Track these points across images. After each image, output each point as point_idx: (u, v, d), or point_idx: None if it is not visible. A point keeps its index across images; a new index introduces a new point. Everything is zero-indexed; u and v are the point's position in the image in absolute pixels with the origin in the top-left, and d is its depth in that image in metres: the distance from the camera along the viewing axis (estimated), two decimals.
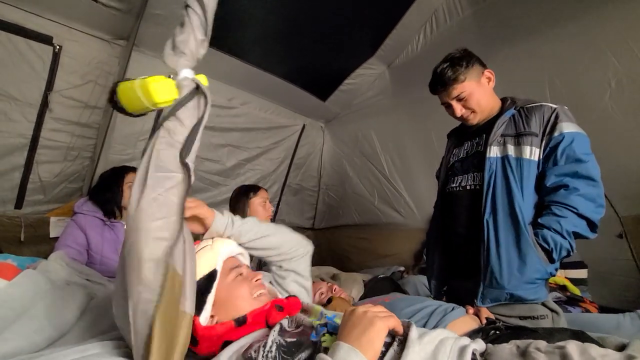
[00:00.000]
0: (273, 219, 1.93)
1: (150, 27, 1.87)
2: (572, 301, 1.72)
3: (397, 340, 0.66)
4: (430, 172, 2.67)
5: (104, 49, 1.94)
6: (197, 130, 0.75)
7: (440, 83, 1.28)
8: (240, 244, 0.93)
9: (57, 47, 1.80)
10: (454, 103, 1.28)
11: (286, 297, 0.85)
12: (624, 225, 1.91)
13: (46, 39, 1.77)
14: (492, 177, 1.22)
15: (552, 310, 1.17)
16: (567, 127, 1.16)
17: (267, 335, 0.70)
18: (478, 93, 1.26)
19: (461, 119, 1.33)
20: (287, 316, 0.79)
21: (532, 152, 1.19)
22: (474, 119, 1.30)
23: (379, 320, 0.63)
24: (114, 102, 0.81)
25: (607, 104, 1.73)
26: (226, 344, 0.73)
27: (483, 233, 1.20)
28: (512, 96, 1.33)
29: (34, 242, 1.99)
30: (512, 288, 1.15)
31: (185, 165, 0.72)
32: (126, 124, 2.16)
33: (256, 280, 0.85)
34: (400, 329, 0.67)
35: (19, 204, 1.95)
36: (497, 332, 0.93)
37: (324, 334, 0.68)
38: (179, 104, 0.75)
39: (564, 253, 1.11)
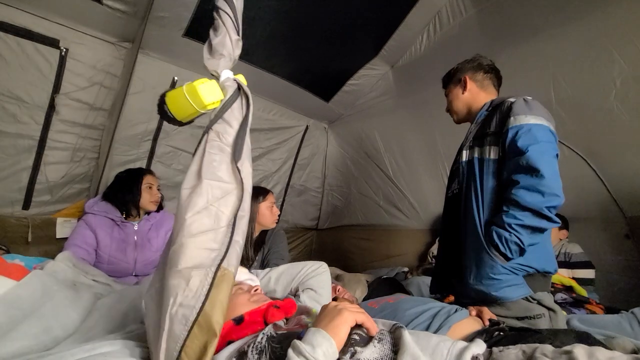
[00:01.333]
0: (276, 220, 1.92)
1: (155, 29, 1.88)
2: (577, 303, 1.70)
3: (377, 338, 0.67)
4: (433, 173, 2.68)
5: (110, 51, 1.96)
6: (244, 131, 0.75)
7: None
8: None
9: (64, 50, 1.82)
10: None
11: (282, 299, 0.90)
12: (630, 226, 1.89)
13: (53, 42, 1.79)
14: (464, 181, 1.30)
15: (548, 309, 1.16)
16: (514, 121, 1.15)
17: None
18: (451, 95, 1.45)
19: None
20: (285, 318, 0.82)
21: (492, 151, 1.22)
22: (454, 117, 1.48)
23: (347, 311, 0.67)
24: (163, 112, 0.81)
25: (613, 103, 1.71)
26: (229, 344, 0.74)
27: (460, 234, 1.28)
28: (499, 97, 1.37)
29: (40, 243, 2.02)
30: (475, 284, 1.19)
31: (238, 175, 0.72)
32: (130, 126, 2.19)
33: (255, 291, 0.91)
34: (372, 328, 0.69)
35: (26, 205, 1.98)
36: (501, 333, 0.93)
37: None
38: (225, 105, 0.75)
39: (513, 247, 1.10)
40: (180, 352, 0.61)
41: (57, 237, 2.05)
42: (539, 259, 1.17)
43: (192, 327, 0.61)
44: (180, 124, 0.83)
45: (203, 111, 0.77)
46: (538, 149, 1.09)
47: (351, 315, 0.67)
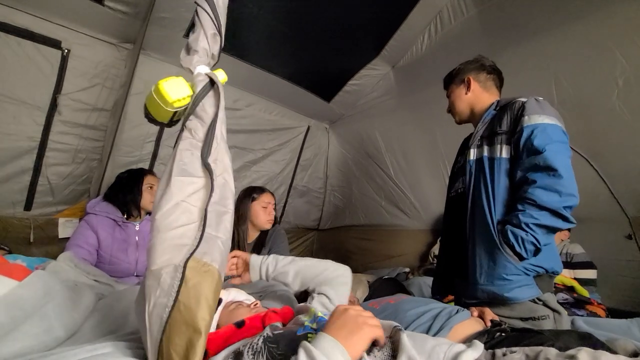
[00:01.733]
0: (279, 222, 1.92)
1: (157, 30, 1.89)
2: (578, 303, 1.70)
3: (377, 347, 0.66)
4: (435, 174, 2.67)
5: (111, 52, 1.96)
6: (213, 126, 0.73)
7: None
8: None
9: (65, 50, 1.83)
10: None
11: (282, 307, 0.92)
12: (632, 226, 1.89)
13: (55, 43, 1.79)
14: (471, 180, 1.29)
15: (553, 310, 1.16)
16: (529, 120, 1.15)
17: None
18: (454, 96, 1.44)
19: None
20: (282, 324, 0.83)
21: (503, 150, 1.21)
22: (456, 118, 1.47)
23: (368, 327, 0.63)
24: (146, 115, 0.80)
25: (615, 103, 1.71)
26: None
27: (465, 234, 1.27)
28: (505, 97, 1.36)
29: (42, 243, 2.02)
30: (485, 284, 1.18)
31: (207, 168, 0.70)
32: (133, 126, 2.19)
33: (255, 305, 0.94)
34: (381, 341, 0.67)
35: (28, 206, 1.98)
36: (503, 334, 0.93)
37: (310, 334, 0.70)
38: (195, 101, 0.73)
39: (529, 246, 1.10)
40: (158, 351, 0.60)
41: (60, 237, 2.06)
42: (549, 259, 1.16)
43: (166, 325, 0.60)
44: (164, 124, 0.81)
45: (172, 109, 0.75)
46: (554, 149, 1.10)
47: (371, 332, 0.63)
